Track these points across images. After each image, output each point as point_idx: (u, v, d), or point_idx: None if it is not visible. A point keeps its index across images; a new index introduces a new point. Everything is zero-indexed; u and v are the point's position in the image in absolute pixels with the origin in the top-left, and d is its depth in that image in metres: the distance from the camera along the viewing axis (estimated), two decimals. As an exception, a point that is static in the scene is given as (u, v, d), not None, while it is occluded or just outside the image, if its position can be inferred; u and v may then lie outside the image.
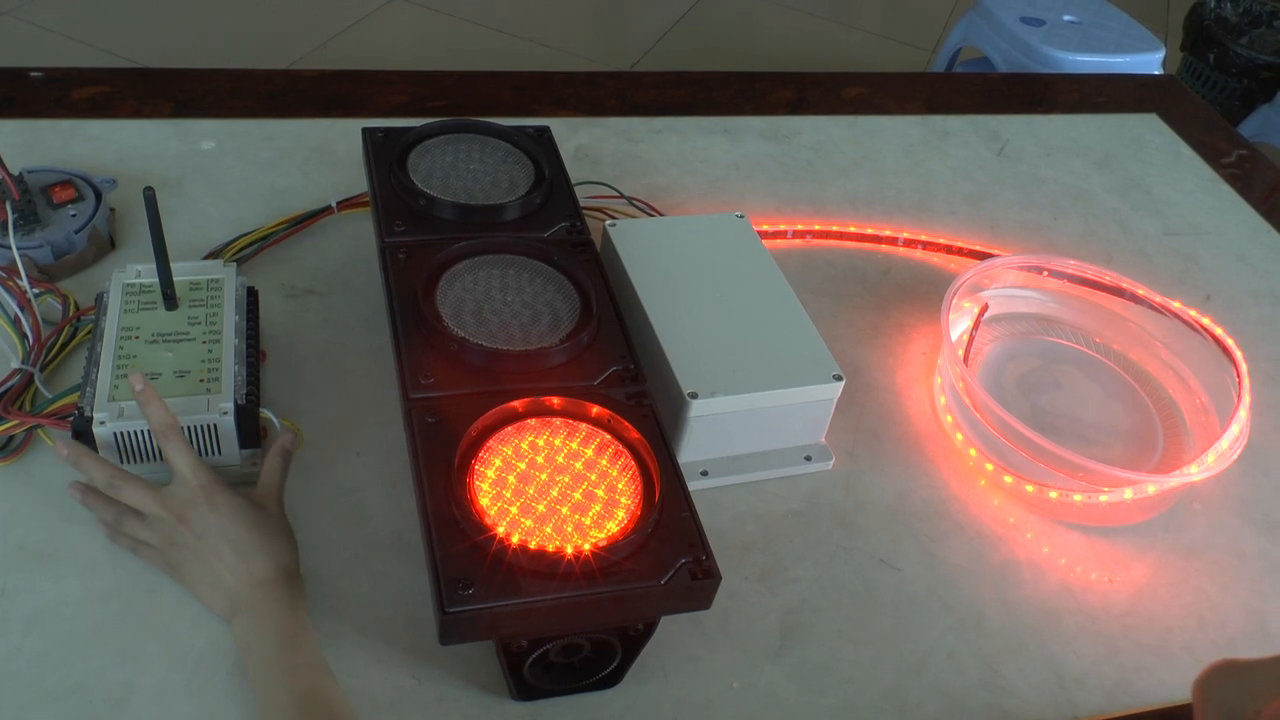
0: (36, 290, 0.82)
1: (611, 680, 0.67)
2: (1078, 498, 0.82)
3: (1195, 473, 0.82)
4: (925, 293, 1.02)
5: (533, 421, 0.67)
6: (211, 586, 0.67)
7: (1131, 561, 0.81)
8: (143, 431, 0.69)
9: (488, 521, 0.61)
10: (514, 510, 0.62)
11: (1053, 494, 0.82)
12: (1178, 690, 0.74)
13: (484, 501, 0.62)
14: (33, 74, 1.10)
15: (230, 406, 0.71)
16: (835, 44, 2.86)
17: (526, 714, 0.66)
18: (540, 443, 0.66)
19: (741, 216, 0.94)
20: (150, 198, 0.71)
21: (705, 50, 2.72)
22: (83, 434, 0.69)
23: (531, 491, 0.63)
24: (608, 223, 0.90)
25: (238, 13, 2.55)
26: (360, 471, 0.77)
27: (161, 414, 0.68)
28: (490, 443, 0.65)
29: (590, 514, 0.63)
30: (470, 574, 0.58)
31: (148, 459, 0.71)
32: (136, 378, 0.69)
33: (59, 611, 0.66)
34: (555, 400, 0.68)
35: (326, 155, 1.05)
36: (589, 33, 2.77)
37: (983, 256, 1.05)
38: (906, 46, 2.89)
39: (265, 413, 0.74)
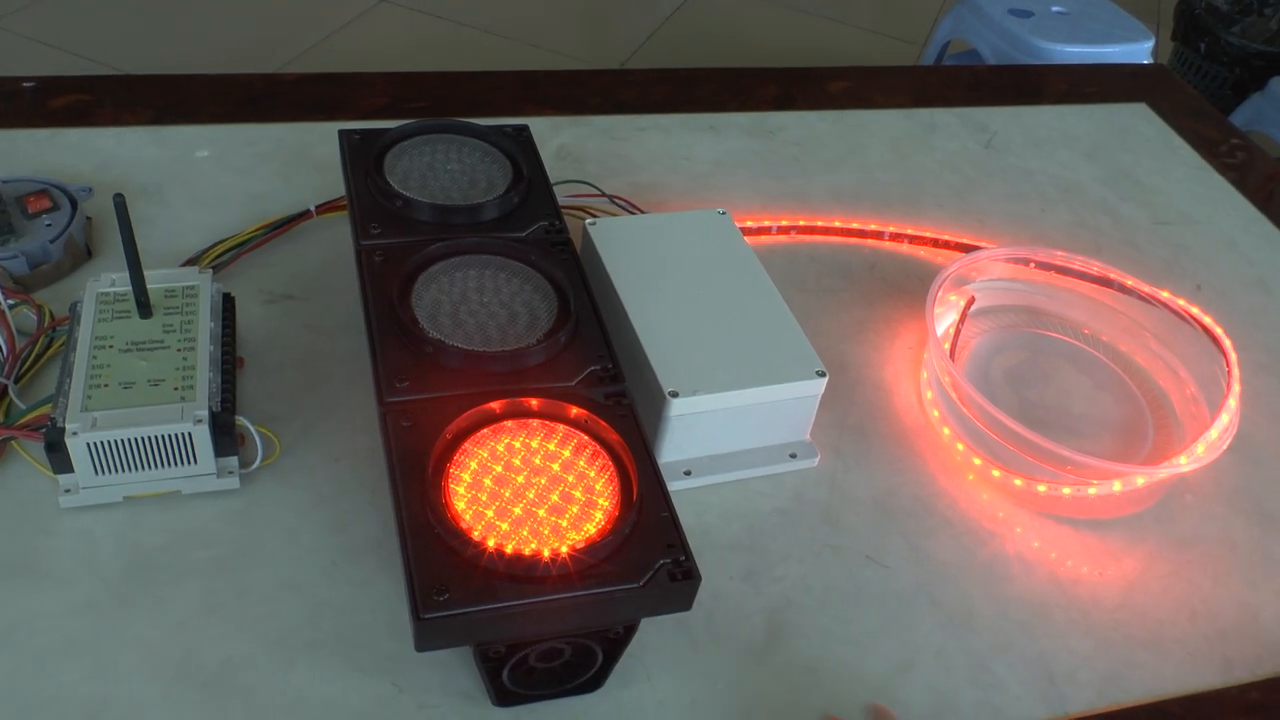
0: (11, 301, 0.81)
1: (594, 684, 0.66)
2: (1066, 491, 0.81)
3: (1185, 464, 0.81)
4: (912, 287, 1.01)
5: (509, 423, 0.66)
6: None
7: (1122, 555, 0.80)
8: (115, 442, 0.68)
9: (463, 525, 0.60)
10: (490, 514, 0.61)
11: (1041, 488, 0.81)
12: (1170, 684, 0.73)
13: (459, 505, 0.61)
14: (25, 84, 1.09)
15: (205, 414, 0.70)
16: (825, 39, 2.86)
17: (508, 720, 0.65)
18: (517, 445, 0.65)
19: (723, 213, 0.93)
20: (120, 204, 0.70)
21: (694, 48, 2.71)
22: (55, 445, 0.68)
23: (508, 494, 0.62)
24: (587, 221, 0.89)
25: (223, 19, 2.54)
26: (339, 478, 0.76)
27: None
28: (466, 445, 0.65)
29: (567, 516, 0.62)
30: (445, 579, 0.57)
31: (122, 469, 0.70)
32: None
33: (32, 625, 0.65)
34: (533, 401, 0.67)
35: (306, 159, 1.04)
36: (577, 33, 2.76)
37: (970, 249, 1.04)
38: (896, 40, 2.89)
39: (241, 420, 0.74)
